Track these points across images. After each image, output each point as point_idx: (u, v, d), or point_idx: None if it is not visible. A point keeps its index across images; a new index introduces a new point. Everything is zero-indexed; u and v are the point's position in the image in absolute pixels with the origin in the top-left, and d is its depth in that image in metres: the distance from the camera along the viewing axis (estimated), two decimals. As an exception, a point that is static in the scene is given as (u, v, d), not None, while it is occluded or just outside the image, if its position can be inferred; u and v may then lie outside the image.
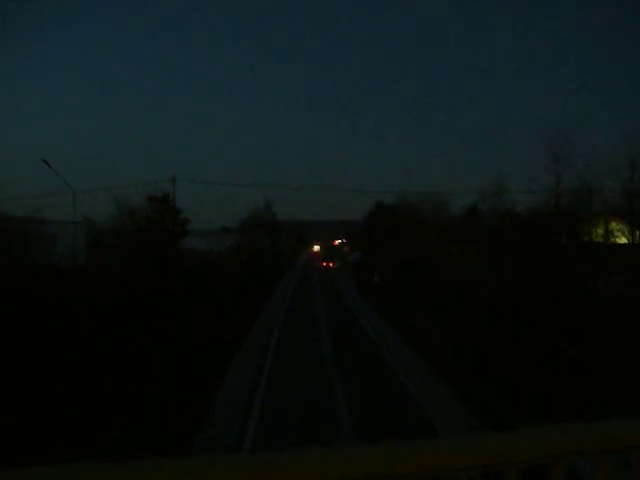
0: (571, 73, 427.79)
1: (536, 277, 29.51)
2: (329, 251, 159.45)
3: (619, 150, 30.38)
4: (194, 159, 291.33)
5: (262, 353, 25.11)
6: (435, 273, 42.01)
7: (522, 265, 31.17)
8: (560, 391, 18.44)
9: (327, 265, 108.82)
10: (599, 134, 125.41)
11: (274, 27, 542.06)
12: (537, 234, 32.43)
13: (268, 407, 17.08)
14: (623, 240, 31.95)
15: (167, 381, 18.61)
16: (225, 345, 24.97)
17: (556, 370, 20.43)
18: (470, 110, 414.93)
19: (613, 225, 33.04)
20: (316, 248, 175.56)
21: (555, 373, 20.20)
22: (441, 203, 55.77)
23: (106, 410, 15.33)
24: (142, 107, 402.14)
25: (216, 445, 13.95)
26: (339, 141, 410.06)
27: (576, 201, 32.98)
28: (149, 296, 25.80)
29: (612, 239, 32.45)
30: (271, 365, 22.80)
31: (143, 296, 25.40)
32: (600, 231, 33.12)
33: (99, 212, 38.53)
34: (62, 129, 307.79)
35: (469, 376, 21.08)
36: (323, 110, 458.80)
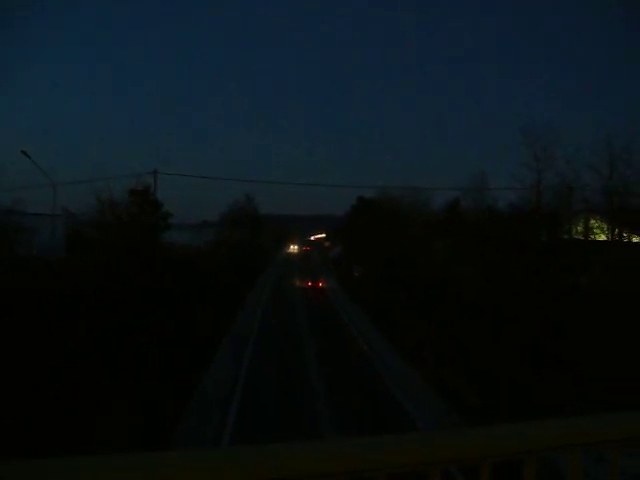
0: (553, 72, 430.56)
1: (517, 273, 29.70)
2: (307, 251, 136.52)
3: (599, 149, 30.44)
4: (176, 153, 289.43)
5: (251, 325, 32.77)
6: (416, 268, 42.11)
7: (504, 261, 31.34)
8: (537, 384, 18.61)
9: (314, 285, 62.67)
10: (580, 133, 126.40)
11: (259, 17, 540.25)
12: (518, 230, 32.62)
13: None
14: (602, 237, 32.24)
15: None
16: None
17: (536, 365, 20.62)
18: (452, 107, 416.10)
19: (593, 222, 33.34)
20: (293, 248, 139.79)
21: (535, 368, 20.39)
22: (423, 198, 55.96)
23: (100, 409, 15.33)
24: (124, 100, 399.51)
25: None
26: (321, 136, 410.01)
27: (557, 198, 33.21)
28: (131, 290, 25.66)
29: (592, 236, 32.73)
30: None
31: (125, 290, 25.27)
32: (580, 228, 33.41)
33: (79, 205, 38.06)
34: (43, 121, 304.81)
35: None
36: (305, 104, 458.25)
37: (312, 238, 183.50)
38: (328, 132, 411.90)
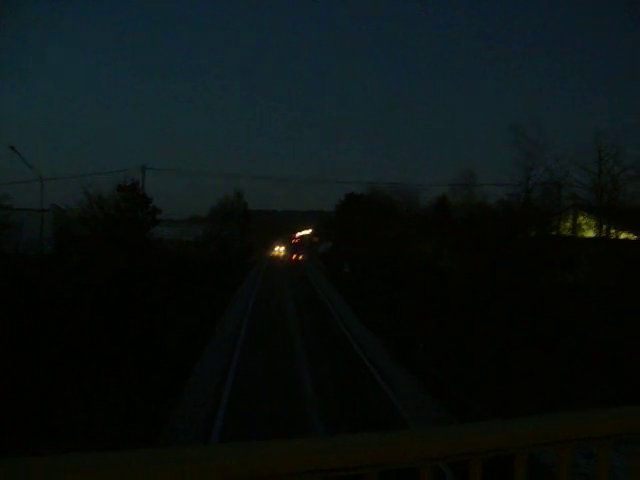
0: (542, 69, 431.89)
1: (506, 269, 29.86)
2: (296, 245, 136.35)
3: (588, 145, 30.58)
4: (164, 148, 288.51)
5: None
6: (406, 263, 42.21)
7: (492, 256, 31.48)
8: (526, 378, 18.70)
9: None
10: (569, 130, 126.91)
11: (254, 13, 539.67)
12: (507, 226, 32.79)
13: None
14: (590, 234, 32.41)
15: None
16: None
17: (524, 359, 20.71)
18: (442, 104, 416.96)
19: (581, 219, 33.52)
20: (279, 250, 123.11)
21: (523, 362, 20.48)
22: (412, 194, 56.08)
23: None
24: (112, 95, 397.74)
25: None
26: (311, 132, 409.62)
27: (545, 195, 33.37)
28: (118, 286, 25.56)
29: (580, 232, 32.92)
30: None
31: (111, 286, 25.16)
32: (568, 224, 33.58)
33: (67, 200, 37.96)
34: (30, 116, 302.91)
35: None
36: (295, 101, 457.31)
37: (297, 235, 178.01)
38: (318, 128, 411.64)
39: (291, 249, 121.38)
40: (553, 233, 32.87)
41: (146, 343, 21.78)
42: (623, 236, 31.55)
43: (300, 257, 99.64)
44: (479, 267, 32.42)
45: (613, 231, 31.16)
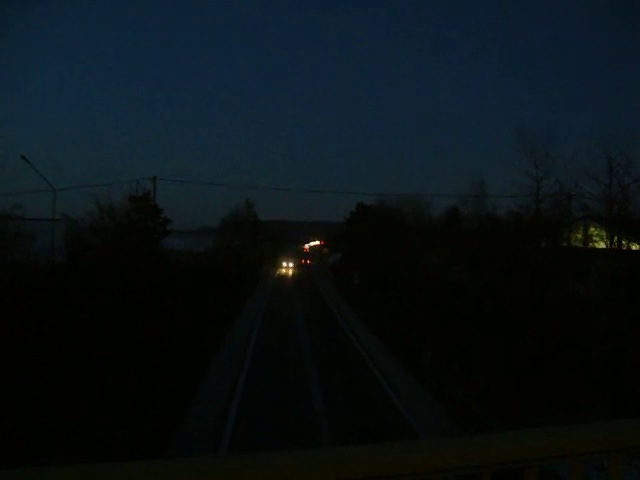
0: (552, 78, 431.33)
1: (516, 280, 29.72)
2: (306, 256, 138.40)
3: (598, 156, 30.45)
4: (175, 160, 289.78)
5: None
6: (415, 275, 42.10)
7: (503, 268, 31.36)
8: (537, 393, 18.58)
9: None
10: (579, 140, 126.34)
11: (263, 27, 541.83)
12: (518, 237, 32.68)
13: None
14: (602, 245, 32.23)
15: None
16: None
17: (537, 374, 20.58)
18: (452, 114, 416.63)
19: (592, 230, 33.34)
20: (287, 266, 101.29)
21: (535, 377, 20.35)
22: (421, 205, 55.94)
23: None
24: (123, 106, 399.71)
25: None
26: (321, 142, 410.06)
27: (556, 206, 33.23)
28: (128, 296, 25.61)
29: (591, 244, 32.74)
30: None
31: (122, 296, 25.20)
32: (579, 236, 33.40)
33: (79, 210, 38.17)
34: (43, 126, 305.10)
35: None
36: (305, 112, 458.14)
37: (307, 246, 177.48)
38: (328, 139, 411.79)
39: (301, 262, 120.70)
40: (564, 244, 32.71)
41: (155, 352, 21.81)
42: (635, 247, 31.38)
43: (309, 262, 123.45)
44: (489, 278, 32.29)
45: (624, 242, 31.00)
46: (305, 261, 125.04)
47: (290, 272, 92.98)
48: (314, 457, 1.68)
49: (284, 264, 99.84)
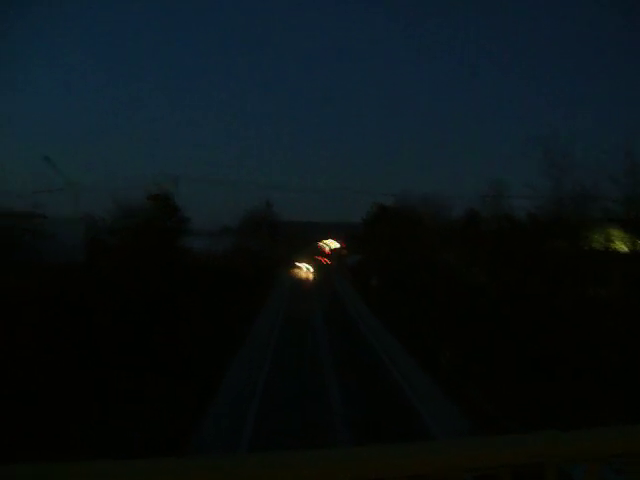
0: (572, 79, 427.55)
1: (534, 282, 29.54)
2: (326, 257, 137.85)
3: (619, 157, 30.07)
4: (197, 159, 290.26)
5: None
6: (434, 276, 41.97)
7: (521, 269, 31.18)
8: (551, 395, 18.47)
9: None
10: (599, 141, 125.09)
11: (268, 23, 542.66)
12: (536, 239, 32.47)
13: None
14: (623, 248, 31.84)
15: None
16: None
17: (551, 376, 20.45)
18: (469, 114, 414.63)
19: (613, 233, 32.93)
20: (303, 268, 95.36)
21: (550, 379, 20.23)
22: (440, 206, 55.70)
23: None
24: (146, 104, 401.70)
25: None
26: (342, 143, 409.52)
27: (575, 208, 32.87)
28: (155, 298, 25.79)
29: (612, 247, 32.32)
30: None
31: (148, 298, 25.35)
32: (599, 238, 33.00)
33: (100, 210, 38.41)
34: (64, 125, 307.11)
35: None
36: (326, 112, 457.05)
37: (326, 247, 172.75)
38: (346, 139, 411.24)
39: (321, 262, 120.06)
40: (584, 247, 32.38)
41: (173, 355, 21.90)
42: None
43: (328, 262, 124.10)
44: (507, 280, 32.11)
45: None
46: (325, 261, 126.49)
47: (310, 276, 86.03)
48: (329, 457, 1.70)
49: (303, 267, 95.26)
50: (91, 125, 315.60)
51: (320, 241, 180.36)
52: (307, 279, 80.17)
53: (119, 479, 1.52)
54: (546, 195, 32.82)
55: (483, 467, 1.82)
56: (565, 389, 18.99)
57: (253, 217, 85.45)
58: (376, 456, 1.74)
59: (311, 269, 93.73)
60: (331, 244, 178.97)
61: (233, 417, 17.39)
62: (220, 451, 14.86)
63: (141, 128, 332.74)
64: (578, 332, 23.50)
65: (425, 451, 1.82)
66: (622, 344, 21.50)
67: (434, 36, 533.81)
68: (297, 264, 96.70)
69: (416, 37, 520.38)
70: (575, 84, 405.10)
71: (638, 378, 18.47)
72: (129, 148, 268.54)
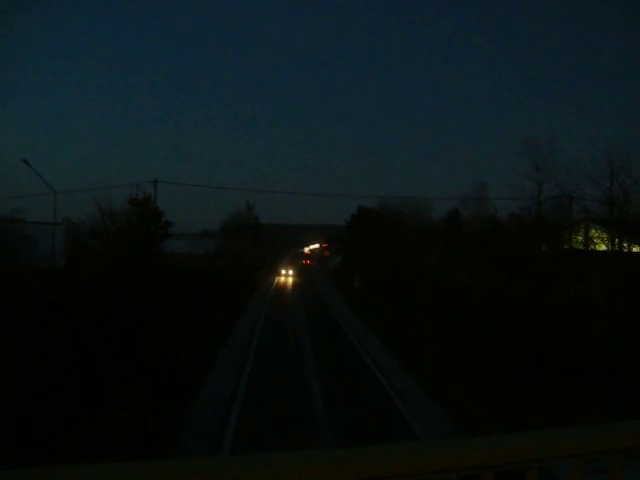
0: (553, 82, 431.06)
1: (517, 283, 29.73)
2: (308, 258, 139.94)
3: (599, 158, 30.47)
4: (176, 162, 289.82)
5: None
6: (417, 278, 42.07)
7: (503, 271, 31.37)
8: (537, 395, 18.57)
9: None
10: (580, 143, 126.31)
11: (264, 23, 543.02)
12: (519, 240, 32.68)
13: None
14: (602, 247, 32.20)
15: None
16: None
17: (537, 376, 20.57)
18: (453, 117, 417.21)
19: (593, 232, 33.30)
20: (286, 273, 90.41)
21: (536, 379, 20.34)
22: (422, 208, 55.88)
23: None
24: (124, 109, 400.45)
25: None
26: (322, 145, 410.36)
27: (557, 208, 33.18)
28: (131, 298, 25.61)
29: (592, 246, 32.68)
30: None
31: (130, 300, 25.18)
32: (580, 238, 33.35)
33: (79, 214, 38.22)
34: (44, 130, 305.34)
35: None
36: (306, 114, 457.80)
37: (307, 249, 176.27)
38: (328, 142, 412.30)
39: (303, 264, 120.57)
40: (565, 247, 32.68)
41: (157, 355, 21.77)
42: (635, 249, 31.38)
43: (309, 262, 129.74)
44: (490, 281, 32.29)
45: (625, 244, 31.01)
46: (306, 262, 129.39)
47: (292, 279, 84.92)
48: (312, 458, 1.69)
49: (283, 271, 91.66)
50: (70, 128, 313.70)
51: (303, 243, 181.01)
52: (290, 281, 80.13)
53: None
54: (529, 196, 33.09)
55: (467, 468, 1.82)
56: (548, 389, 19.13)
57: (234, 220, 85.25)
58: (359, 457, 1.74)
59: (291, 272, 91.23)
60: (314, 246, 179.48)
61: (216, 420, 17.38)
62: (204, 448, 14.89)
63: (122, 132, 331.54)
64: (561, 332, 23.67)
65: (408, 452, 1.82)
66: (602, 342, 21.68)
67: (417, 38, 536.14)
68: (280, 270, 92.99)
69: (401, 39, 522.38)
70: (560, 86, 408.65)
71: (618, 376, 18.64)
72: (110, 152, 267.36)
